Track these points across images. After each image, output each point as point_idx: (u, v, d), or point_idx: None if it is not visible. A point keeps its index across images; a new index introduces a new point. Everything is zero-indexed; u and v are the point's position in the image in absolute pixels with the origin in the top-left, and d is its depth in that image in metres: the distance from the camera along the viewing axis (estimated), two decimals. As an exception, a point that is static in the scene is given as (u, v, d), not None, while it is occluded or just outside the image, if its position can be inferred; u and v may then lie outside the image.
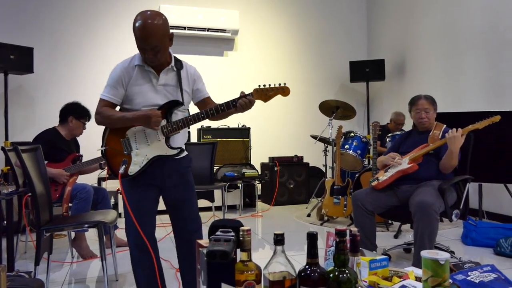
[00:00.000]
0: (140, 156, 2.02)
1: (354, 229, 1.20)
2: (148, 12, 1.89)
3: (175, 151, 2.05)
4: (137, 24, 1.87)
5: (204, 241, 1.22)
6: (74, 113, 3.44)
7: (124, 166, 1.98)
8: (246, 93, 2.02)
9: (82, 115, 3.46)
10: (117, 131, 2.03)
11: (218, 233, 1.13)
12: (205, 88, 2.19)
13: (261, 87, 2.00)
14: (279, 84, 2.00)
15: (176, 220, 2.18)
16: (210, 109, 1.99)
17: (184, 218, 2.15)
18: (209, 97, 2.19)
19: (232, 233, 1.13)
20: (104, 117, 2.01)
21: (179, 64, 2.08)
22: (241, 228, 1.09)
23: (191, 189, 2.18)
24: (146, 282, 2.08)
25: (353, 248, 1.19)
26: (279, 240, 1.10)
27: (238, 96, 2.00)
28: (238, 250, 1.12)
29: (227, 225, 1.18)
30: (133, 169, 2.01)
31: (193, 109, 2.10)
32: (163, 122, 2.01)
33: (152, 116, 1.94)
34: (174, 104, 2.03)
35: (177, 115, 2.07)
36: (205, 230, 1.71)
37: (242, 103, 1.97)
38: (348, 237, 1.19)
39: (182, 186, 2.14)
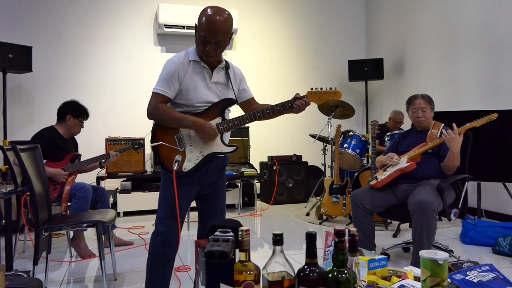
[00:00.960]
0: (194, 153, 2.02)
1: (352, 229, 1.20)
2: (218, 7, 1.94)
3: (231, 148, 2.08)
4: (206, 17, 1.90)
5: (203, 240, 1.22)
6: (72, 111, 3.43)
7: (178, 163, 1.96)
8: (301, 95, 2.08)
9: (80, 113, 3.46)
10: (170, 127, 2.01)
11: (216, 233, 1.13)
12: (250, 89, 2.25)
13: (314, 90, 2.11)
14: (331, 88, 2.15)
15: (205, 214, 2.18)
16: (266, 109, 2.05)
17: (215, 212, 2.17)
18: (253, 98, 2.25)
19: (231, 233, 1.13)
20: (162, 113, 1.97)
21: (227, 63, 2.12)
22: (240, 228, 1.09)
23: (224, 186, 2.23)
24: (162, 281, 2.06)
25: (352, 248, 1.19)
26: (278, 240, 1.09)
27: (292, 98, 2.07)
28: (237, 250, 1.12)
29: (226, 225, 1.18)
30: (188, 165, 2.00)
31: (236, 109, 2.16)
32: (219, 120, 2.04)
33: (212, 133, 1.98)
34: (230, 103, 2.08)
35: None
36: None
37: (299, 104, 2.04)
38: (346, 237, 1.20)
39: (219, 181, 2.17)
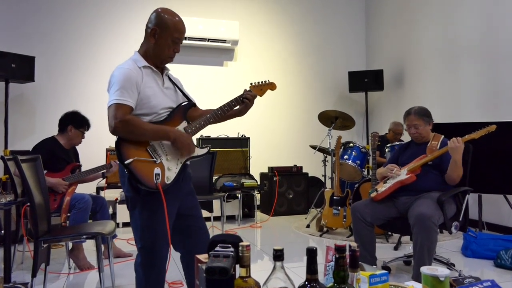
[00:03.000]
0: (173, 162, 1.91)
1: (353, 244, 1.20)
2: (169, 9, 1.98)
3: (205, 150, 2.04)
4: (177, 18, 1.93)
5: (203, 256, 1.21)
6: (73, 122, 3.43)
7: (159, 176, 1.84)
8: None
9: (82, 124, 3.46)
10: (137, 140, 1.87)
11: (217, 248, 1.13)
12: None
13: (254, 83, 2.21)
14: (268, 81, 2.26)
15: (188, 233, 2.04)
16: (224, 106, 2.05)
17: (196, 230, 2.05)
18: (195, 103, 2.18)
19: (231, 249, 1.13)
20: (134, 126, 1.81)
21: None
22: (240, 243, 1.08)
23: (196, 197, 2.12)
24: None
25: (353, 264, 1.18)
26: (278, 255, 1.09)
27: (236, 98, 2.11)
28: (237, 266, 1.11)
29: (227, 240, 1.17)
30: (170, 175, 1.88)
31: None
32: (185, 124, 1.99)
33: (190, 141, 1.92)
34: (190, 105, 2.05)
35: None
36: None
37: (249, 96, 2.09)
38: (347, 253, 1.19)
39: (192, 194, 2.09)
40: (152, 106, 1.90)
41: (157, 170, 1.85)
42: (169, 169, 1.89)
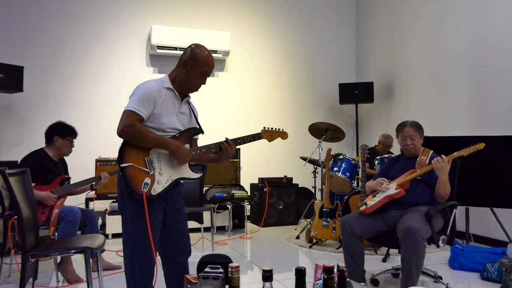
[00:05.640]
0: (164, 176, 2.07)
1: (341, 264, 1.22)
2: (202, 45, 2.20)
3: (198, 175, 2.19)
4: (206, 53, 2.15)
5: (192, 276, 1.22)
6: (58, 132, 3.41)
7: (147, 185, 2.00)
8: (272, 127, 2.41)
9: (67, 133, 3.43)
10: (140, 149, 2.05)
11: (207, 269, 1.14)
12: None
13: (267, 128, 2.36)
14: (282, 129, 2.41)
15: (168, 243, 2.22)
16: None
17: (178, 242, 2.23)
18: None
19: (221, 270, 1.14)
20: (139, 132, 2.00)
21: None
22: (230, 264, 1.10)
23: (185, 213, 2.30)
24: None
25: (341, 284, 1.20)
26: (267, 276, 1.10)
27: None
28: (227, 287, 1.12)
29: (216, 260, 1.18)
30: (157, 188, 2.04)
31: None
32: (187, 146, 2.15)
33: (187, 156, 2.09)
34: (197, 132, 2.25)
35: None
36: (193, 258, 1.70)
37: (224, 144, 2.19)
38: (336, 272, 1.21)
39: (180, 209, 2.25)
40: (161, 123, 2.08)
41: (147, 180, 2.02)
42: (158, 183, 2.05)
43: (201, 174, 2.20)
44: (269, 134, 2.34)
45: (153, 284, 2.12)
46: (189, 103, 2.26)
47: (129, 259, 2.07)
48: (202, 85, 2.18)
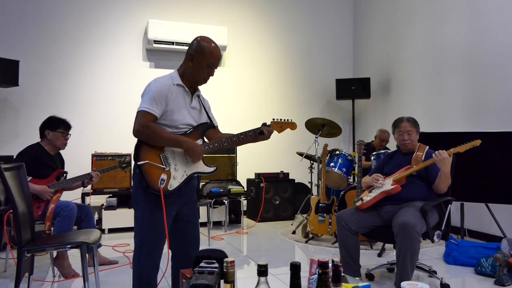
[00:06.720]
0: (179, 172, 2.12)
1: (336, 259, 1.22)
2: (208, 37, 2.21)
3: (212, 169, 2.23)
4: (213, 45, 2.16)
5: (188, 270, 1.23)
6: (48, 126, 3.39)
7: (164, 181, 2.05)
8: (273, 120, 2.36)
9: (58, 125, 3.40)
10: (155, 146, 2.10)
11: (202, 264, 1.14)
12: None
13: (276, 119, 2.37)
14: (290, 120, 2.42)
15: (179, 237, 2.25)
16: (240, 134, 2.23)
17: (189, 236, 2.27)
18: (217, 126, 2.38)
19: (216, 265, 1.14)
20: (153, 132, 2.05)
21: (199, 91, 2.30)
22: (225, 259, 1.10)
23: (197, 206, 2.34)
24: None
25: (336, 279, 1.21)
26: (262, 271, 1.11)
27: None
28: (222, 281, 1.13)
29: (211, 255, 1.19)
30: (173, 183, 2.09)
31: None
32: (200, 142, 2.19)
33: (201, 153, 2.12)
34: (209, 126, 2.28)
35: None
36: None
37: (265, 131, 2.25)
38: (330, 267, 1.22)
39: (193, 203, 2.30)
40: (174, 119, 2.12)
41: (163, 176, 2.07)
42: (174, 178, 2.10)
43: (215, 168, 2.23)
44: (279, 126, 2.35)
45: (157, 278, 2.16)
46: (199, 96, 2.29)
47: (137, 250, 2.12)
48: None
